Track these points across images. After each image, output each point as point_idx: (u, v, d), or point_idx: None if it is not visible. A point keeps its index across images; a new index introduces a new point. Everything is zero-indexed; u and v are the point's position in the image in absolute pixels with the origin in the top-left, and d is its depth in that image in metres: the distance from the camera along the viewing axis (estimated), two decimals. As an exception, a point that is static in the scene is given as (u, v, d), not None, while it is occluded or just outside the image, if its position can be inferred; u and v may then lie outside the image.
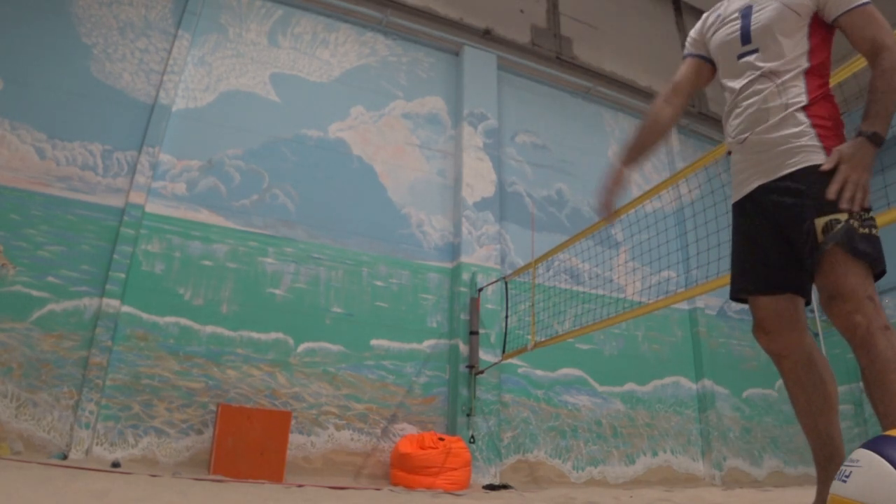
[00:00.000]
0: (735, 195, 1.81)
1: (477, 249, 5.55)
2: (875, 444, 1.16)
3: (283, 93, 5.52)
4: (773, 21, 1.72)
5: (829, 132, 1.63)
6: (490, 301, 5.39)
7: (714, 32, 1.91)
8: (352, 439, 4.62)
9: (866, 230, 1.51)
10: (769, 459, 6.28)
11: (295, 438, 4.35)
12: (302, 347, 4.72)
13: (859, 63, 2.64)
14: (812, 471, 6.76)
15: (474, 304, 5.23)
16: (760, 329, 1.73)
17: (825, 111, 1.66)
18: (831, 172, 1.55)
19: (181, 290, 4.52)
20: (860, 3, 1.65)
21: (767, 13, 1.74)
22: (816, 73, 1.70)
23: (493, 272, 5.50)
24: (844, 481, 1.16)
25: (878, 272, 1.50)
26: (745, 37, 1.77)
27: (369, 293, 5.15)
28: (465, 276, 5.38)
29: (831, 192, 1.52)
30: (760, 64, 1.73)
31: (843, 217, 1.52)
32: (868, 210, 1.55)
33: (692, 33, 2.06)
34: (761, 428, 6.37)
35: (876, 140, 1.54)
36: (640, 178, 7.09)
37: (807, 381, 1.66)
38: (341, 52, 5.97)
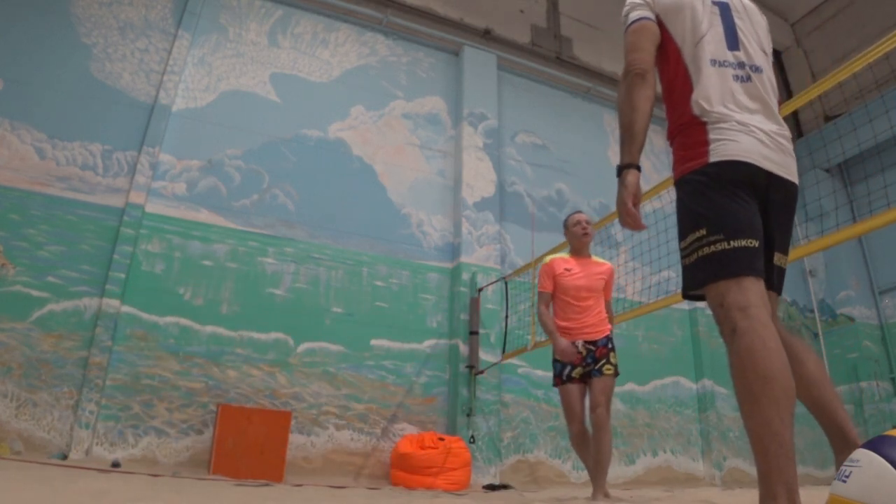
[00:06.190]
0: None
1: (477, 249, 5.55)
2: (875, 444, 1.16)
3: (283, 93, 5.52)
4: None
5: (674, 165, 1.70)
6: (490, 301, 5.39)
7: None
8: (352, 439, 4.62)
9: (687, 260, 1.58)
10: (769, 459, 6.27)
11: (295, 438, 4.34)
12: (302, 347, 4.72)
13: (859, 63, 2.64)
14: (811, 471, 6.74)
15: (474, 304, 5.23)
16: None
17: (679, 139, 1.68)
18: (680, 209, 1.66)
19: (181, 290, 4.52)
20: (624, 33, 1.74)
21: None
22: (667, 96, 1.74)
23: (493, 272, 5.50)
24: (844, 481, 1.16)
25: (724, 279, 1.50)
26: None
27: (369, 293, 5.15)
28: (465, 276, 5.38)
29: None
30: None
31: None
32: (691, 231, 1.57)
33: None
34: (761, 428, 6.36)
35: (617, 173, 1.66)
36: (640, 178, 7.07)
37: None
38: (341, 52, 5.97)
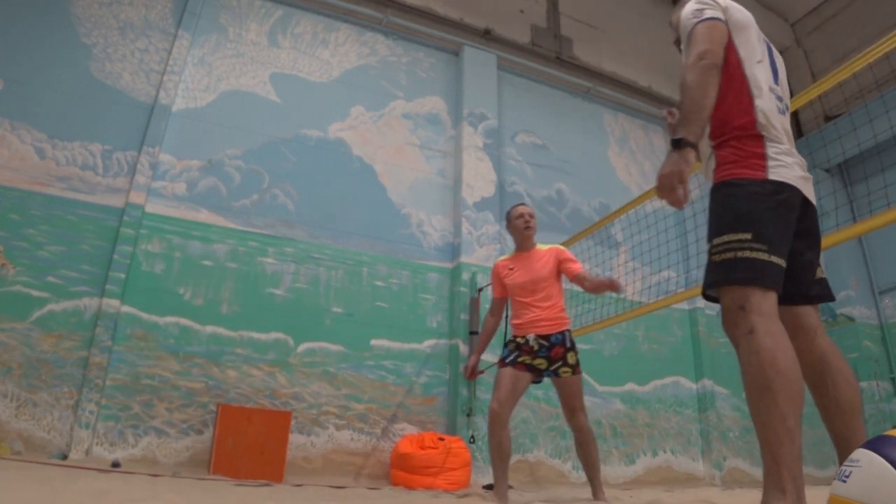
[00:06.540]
0: None
1: (477, 249, 5.55)
2: (875, 444, 1.17)
3: (283, 93, 5.52)
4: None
5: (721, 165, 1.73)
6: (490, 301, 5.38)
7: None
8: (352, 439, 4.62)
9: (719, 256, 1.61)
10: (769, 459, 6.26)
11: (295, 438, 4.34)
12: (302, 347, 4.72)
13: (859, 63, 2.65)
14: (812, 471, 6.72)
15: (474, 304, 5.23)
16: None
17: (733, 143, 1.73)
18: (710, 204, 1.72)
19: (181, 290, 4.52)
20: (690, 29, 1.76)
21: None
22: (718, 98, 1.78)
23: (493, 272, 5.49)
24: (844, 481, 1.16)
25: (757, 287, 1.55)
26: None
27: (369, 293, 5.15)
28: (465, 276, 5.37)
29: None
30: None
31: (707, 250, 1.66)
32: (733, 231, 1.60)
33: None
34: (761, 428, 6.36)
35: (676, 144, 1.60)
36: (640, 178, 7.09)
37: (815, 384, 1.68)
38: (341, 52, 5.96)
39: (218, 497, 2.45)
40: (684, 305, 6.51)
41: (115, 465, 3.76)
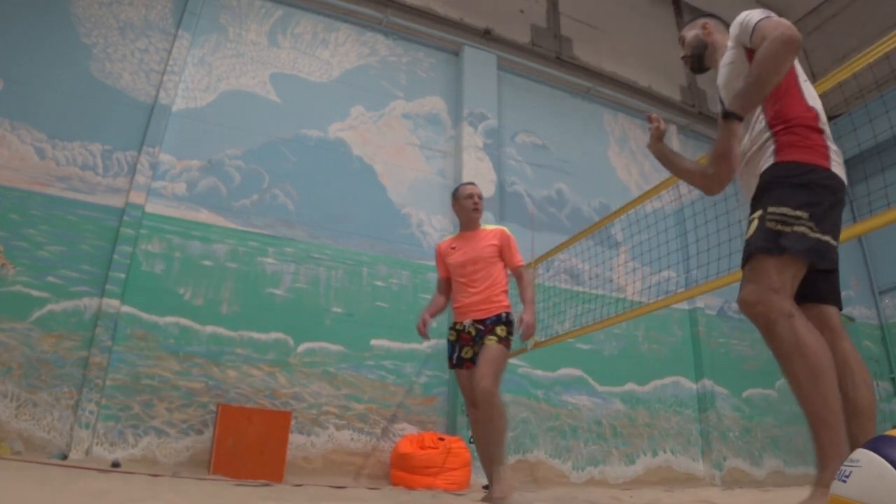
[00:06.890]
0: None
1: (477, 249, 5.55)
2: (875, 444, 1.16)
3: (283, 93, 5.52)
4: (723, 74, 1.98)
5: (786, 147, 1.76)
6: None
7: None
8: (352, 439, 4.62)
9: (774, 225, 1.60)
10: (769, 459, 6.28)
11: (295, 438, 4.34)
12: (302, 347, 4.72)
13: (859, 63, 2.65)
14: (812, 470, 6.72)
15: (474, 304, 5.22)
16: None
17: (798, 128, 1.77)
18: (767, 179, 1.73)
19: (181, 290, 4.52)
20: (755, 23, 1.79)
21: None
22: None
23: (493, 272, 5.48)
24: (844, 481, 1.16)
25: (804, 259, 1.58)
26: None
27: (369, 293, 5.15)
28: (465, 276, 5.37)
29: None
30: None
31: (756, 216, 1.66)
32: (792, 207, 1.61)
33: None
34: (761, 428, 6.37)
35: (725, 116, 1.67)
36: (640, 178, 7.09)
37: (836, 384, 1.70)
38: (341, 52, 5.96)
39: (218, 497, 2.45)
40: (684, 305, 6.51)
41: (115, 465, 3.76)
